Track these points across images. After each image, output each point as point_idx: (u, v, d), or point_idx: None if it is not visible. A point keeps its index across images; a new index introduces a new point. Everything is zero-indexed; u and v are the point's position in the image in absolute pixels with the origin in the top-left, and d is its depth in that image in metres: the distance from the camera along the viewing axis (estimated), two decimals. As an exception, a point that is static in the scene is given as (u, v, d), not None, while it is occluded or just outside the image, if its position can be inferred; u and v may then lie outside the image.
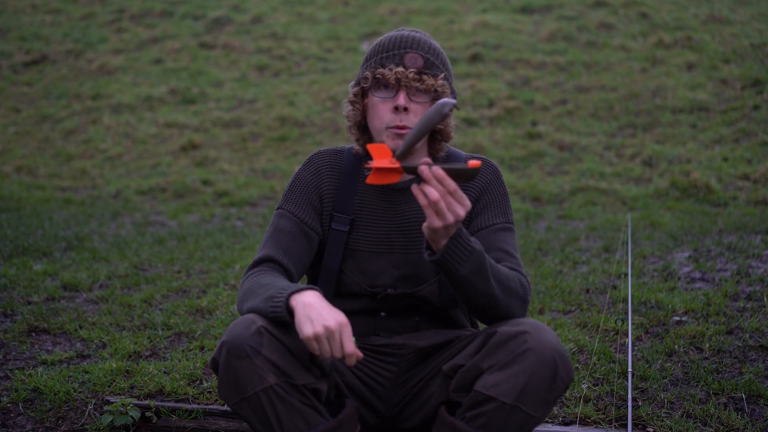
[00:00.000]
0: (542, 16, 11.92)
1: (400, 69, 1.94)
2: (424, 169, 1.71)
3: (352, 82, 2.06)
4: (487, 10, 12.24)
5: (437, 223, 1.72)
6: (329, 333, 1.67)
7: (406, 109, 1.95)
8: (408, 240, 2.06)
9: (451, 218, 1.71)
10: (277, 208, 2.08)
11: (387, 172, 1.75)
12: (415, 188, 1.72)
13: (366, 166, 1.79)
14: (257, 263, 1.97)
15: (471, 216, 2.06)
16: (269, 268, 1.95)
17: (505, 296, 1.87)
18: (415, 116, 1.96)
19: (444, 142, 2.07)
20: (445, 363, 1.97)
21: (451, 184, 1.71)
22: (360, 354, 1.70)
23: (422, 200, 1.71)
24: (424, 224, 1.76)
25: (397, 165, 1.74)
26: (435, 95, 1.97)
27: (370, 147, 1.76)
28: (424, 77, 1.95)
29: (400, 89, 1.95)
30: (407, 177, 2.06)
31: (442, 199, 1.70)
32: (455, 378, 1.87)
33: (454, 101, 1.75)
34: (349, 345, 1.68)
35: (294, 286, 1.79)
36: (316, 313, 1.69)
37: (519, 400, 1.75)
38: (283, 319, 1.76)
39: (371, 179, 1.76)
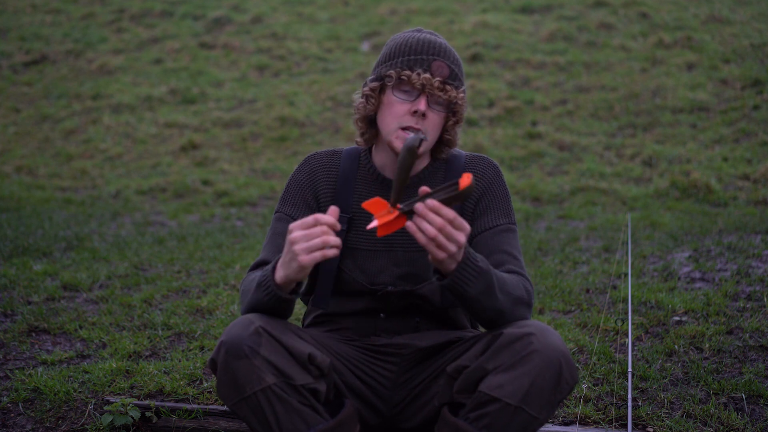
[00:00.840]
0: (542, 16, 11.92)
1: (427, 75, 1.94)
2: (420, 207, 1.66)
3: (371, 76, 2.04)
4: (487, 10, 12.24)
5: (441, 255, 1.69)
6: (303, 228, 1.68)
7: (424, 115, 1.95)
8: (409, 238, 2.06)
9: (453, 248, 1.68)
10: (275, 212, 2.09)
11: (392, 222, 1.71)
12: (411, 227, 1.68)
13: (367, 228, 1.76)
14: (254, 267, 2.00)
15: (473, 217, 2.06)
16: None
17: (512, 306, 1.87)
18: (431, 123, 1.96)
19: (448, 148, 2.08)
20: (448, 364, 1.97)
21: (450, 213, 1.66)
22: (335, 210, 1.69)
23: (421, 239, 1.67)
24: (430, 259, 1.73)
25: (396, 213, 1.69)
26: (453, 107, 1.98)
27: (365, 206, 1.71)
28: (448, 87, 1.96)
29: (422, 94, 1.96)
30: (410, 175, 2.07)
31: (441, 231, 1.66)
32: (459, 379, 1.87)
33: (422, 137, 1.70)
34: (326, 217, 1.68)
35: (269, 267, 1.82)
36: (287, 248, 1.71)
37: (523, 401, 1.75)
38: (281, 296, 1.78)
39: (381, 232, 1.71)
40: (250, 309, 1.87)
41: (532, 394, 1.76)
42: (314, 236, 1.67)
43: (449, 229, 1.66)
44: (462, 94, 1.98)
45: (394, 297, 2.06)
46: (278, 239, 2.01)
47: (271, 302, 1.81)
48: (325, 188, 2.09)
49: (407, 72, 1.95)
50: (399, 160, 1.70)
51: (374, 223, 1.70)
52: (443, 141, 2.05)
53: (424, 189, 1.69)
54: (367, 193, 2.08)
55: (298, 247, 1.68)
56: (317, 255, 1.67)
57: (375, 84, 2.01)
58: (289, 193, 2.09)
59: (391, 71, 1.97)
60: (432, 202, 1.65)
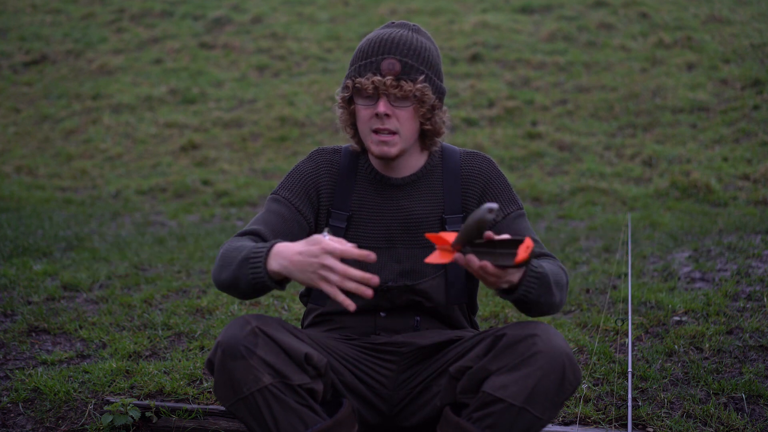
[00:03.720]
0: (542, 16, 11.92)
1: (377, 78, 1.94)
2: (473, 263, 1.69)
3: (339, 88, 2.07)
4: (487, 10, 12.24)
5: (493, 287, 1.75)
6: (344, 269, 1.66)
7: (387, 115, 1.96)
8: (410, 235, 2.07)
9: (504, 285, 1.75)
10: (272, 193, 2.08)
11: (445, 256, 1.73)
12: (461, 262, 1.70)
13: (425, 260, 1.76)
14: (241, 235, 1.96)
15: None
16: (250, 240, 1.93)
17: (561, 296, 1.91)
18: (398, 120, 1.97)
19: (436, 138, 2.07)
20: (449, 363, 1.97)
21: (499, 273, 1.70)
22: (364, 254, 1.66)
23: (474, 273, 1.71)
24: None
25: (453, 253, 1.71)
26: (416, 99, 1.98)
27: (429, 236, 1.73)
28: (402, 83, 1.95)
29: (380, 96, 1.96)
30: (407, 173, 2.08)
31: (492, 279, 1.72)
32: (462, 379, 1.87)
33: (495, 206, 1.61)
34: (351, 250, 1.67)
35: (263, 246, 1.77)
36: (314, 261, 1.68)
37: (527, 402, 1.76)
38: (267, 284, 1.76)
39: (431, 258, 1.73)
40: (228, 282, 1.84)
41: (535, 395, 1.76)
42: (350, 279, 1.66)
43: (500, 278, 1.71)
44: (421, 84, 1.96)
45: (394, 292, 2.06)
46: (271, 217, 2.00)
47: (253, 284, 1.77)
48: (327, 185, 2.09)
49: (359, 80, 1.96)
50: (469, 223, 1.65)
51: (431, 257, 1.72)
52: (426, 132, 2.05)
53: (488, 235, 1.67)
54: (366, 191, 2.09)
55: (332, 276, 1.66)
56: (335, 291, 1.67)
57: (341, 96, 2.04)
58: (291, 180, 2.08)
59: (348, 81, 2.00)
60: (485, 264, 1.67)
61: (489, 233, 1.68)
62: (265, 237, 1.95)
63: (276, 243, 1.77)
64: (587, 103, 9.26)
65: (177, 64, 11.35)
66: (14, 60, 11.89)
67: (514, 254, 1.65)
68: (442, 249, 1.72)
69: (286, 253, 1.73)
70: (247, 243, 1.85)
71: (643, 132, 8.54)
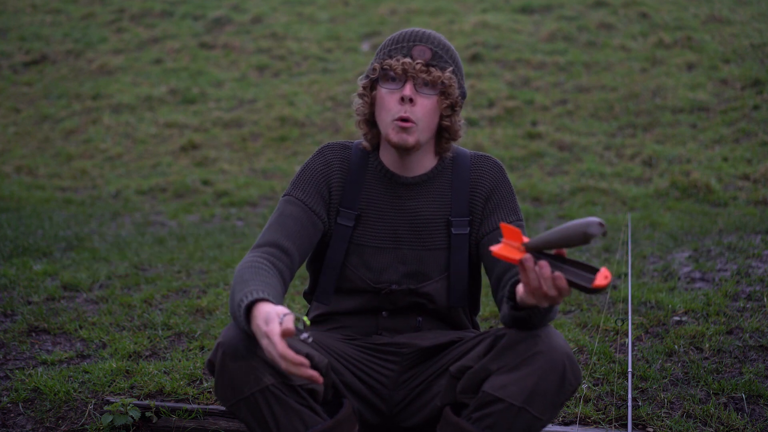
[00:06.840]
0: (542, 16, 11.91)
1: (408, 60, 1.94)
2: (545, 271, 1.61)
3: (362, 76, 2.05)
4: (487, 10, 12.23)
5: (531, 301, 1.68)
6: (292, 364, 1.61)
7: (411, 101, 1.94)
8: (416, 235, 2.06)
9: (545, 304, 1.68)
10: (285, 195, 2.05)
11: (511, 254, 1.66)
12: (527, 267, 1.63)
13: (490, 248, 1.69)
14: (259, 246, 1.94)
15: (482, 217, 2.06)
16: (268, 254, 1.91)
17: (554, 313, 1.88)
18: (422, 109, 1.95)
19: (452, 141, 2.06)
20: (450, 363, 1.97)
21: (565, 290, 1.62)
22: (291, 328, 1.59)
23: (530, 283, 1.64)
24: (522, 291, 1.69)
25: (522, 254, 1.63)
26: (443, 88, 1.97)
27: (503, 226, 1.67)
28: (432, 69, 1.94)
29: (407, 80, 1.95)
30: (418, 173, 2.06)
31: (548, 294, 1.64)
32: (463, 379, 1.87)
33: (601, 222, 1.54)
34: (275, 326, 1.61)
35: (251, 296, 1.71)
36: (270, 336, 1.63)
37: (527, 402, 1.76)
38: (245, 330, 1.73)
39: (498, 248, 1.67)
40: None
41: (536, 395, 1.76)
42: (294, 373, 1.62)
43: (559, 296, 1.64)
44: (450, 74, 1.96)
45: (397, 295, 2.05)
46: (287, 221, 1.98)
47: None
48: (337, 182, 2.07)
49: (388, 61, 1.96)
50: (567, 234, 1.58)
51: (499, 248, 1.66)
52: (444, 130, 2.03)
53: (561, 251, 1.62)
54: (375, 189, 2.07)
55: (283, 364, 1.61)
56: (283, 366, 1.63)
57: (365, 81, 2.02)
58: (302, 179, 2.06)
59: (375, 64, 1.99)
60: (558, 276, 1.60)
61: (562, 249, 1.63)
62: (284, 248, 1.93)
63: (254, 303, 1.69)
64: (587, 103, 9.25)
65: (177, 64, 11.34)
66: (14, 60, 11.89)
67: (592, 278, 1.58)
68: (510, 245, 1.66)
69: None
70: (251, 277, 1.79)
71: (643, 132, 8.54)
